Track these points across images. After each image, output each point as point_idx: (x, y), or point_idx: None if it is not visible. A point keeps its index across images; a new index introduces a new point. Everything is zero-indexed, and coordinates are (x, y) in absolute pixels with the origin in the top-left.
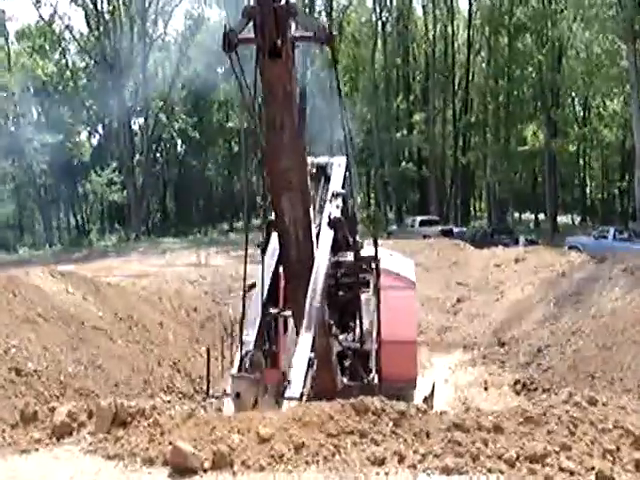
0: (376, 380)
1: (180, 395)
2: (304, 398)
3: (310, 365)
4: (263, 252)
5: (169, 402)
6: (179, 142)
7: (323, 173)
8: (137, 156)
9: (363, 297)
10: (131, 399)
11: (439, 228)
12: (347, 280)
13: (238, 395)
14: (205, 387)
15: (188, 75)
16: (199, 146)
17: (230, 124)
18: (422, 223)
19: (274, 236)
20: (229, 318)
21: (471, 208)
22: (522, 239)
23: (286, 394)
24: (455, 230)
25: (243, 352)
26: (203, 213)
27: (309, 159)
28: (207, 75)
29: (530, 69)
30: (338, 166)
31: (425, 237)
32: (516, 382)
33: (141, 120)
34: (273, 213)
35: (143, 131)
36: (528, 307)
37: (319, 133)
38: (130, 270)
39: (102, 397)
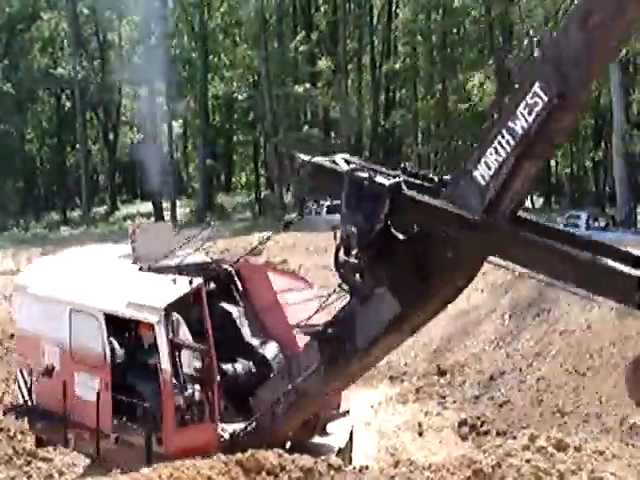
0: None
1: None
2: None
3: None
4: None
5: None
6: None
7: None
8: None
9: (234, 310)
10: None
11: None
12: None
13: None
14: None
15: None
16: (13, 104)
17: (60, 70)
18: (331, 210)
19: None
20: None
21: None
22: None
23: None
24: None
25: None
26: (22, 199)
27: None
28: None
29: None
30: None
31: (335, 229)
32: (461, 423)
33: None
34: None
35: None
36: (475, 321)
37: None
38: None
39: None
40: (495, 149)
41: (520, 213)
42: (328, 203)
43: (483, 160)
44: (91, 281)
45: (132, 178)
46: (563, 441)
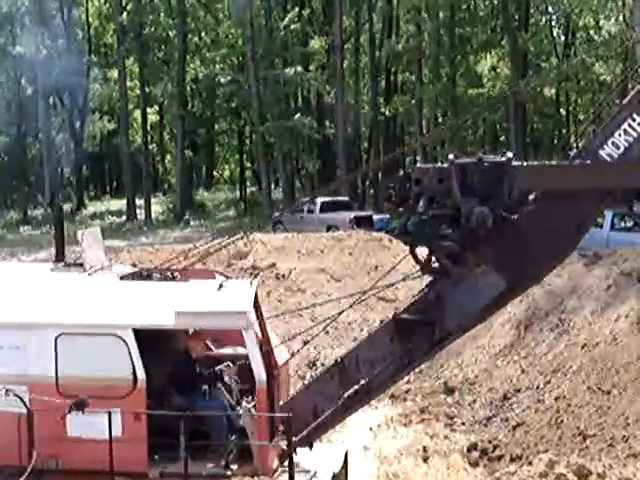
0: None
1: None
2: None
3: None
4: None
5: None
6: None
7: None
8: None
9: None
10: None
11: (351, 215)
12: None
13: None
14: None
15: None
16: None
17: (19, 49)
18: (325, 207)
19: None
20: None
21: None
22: None
23: None
24: (376, 218)
25: None
26: None
27: None
28: None
29: None
30: None
31: (330, 228)
32: (471, 447)
33: None
34: None
35: None
36: (487, 332)
37: None
38: None
39: None
40: (625, 131)
41: None
42: (323, 200)
43: (610, 141)
44: (69, 296)
45: (101, 172)
46: (585, 467)
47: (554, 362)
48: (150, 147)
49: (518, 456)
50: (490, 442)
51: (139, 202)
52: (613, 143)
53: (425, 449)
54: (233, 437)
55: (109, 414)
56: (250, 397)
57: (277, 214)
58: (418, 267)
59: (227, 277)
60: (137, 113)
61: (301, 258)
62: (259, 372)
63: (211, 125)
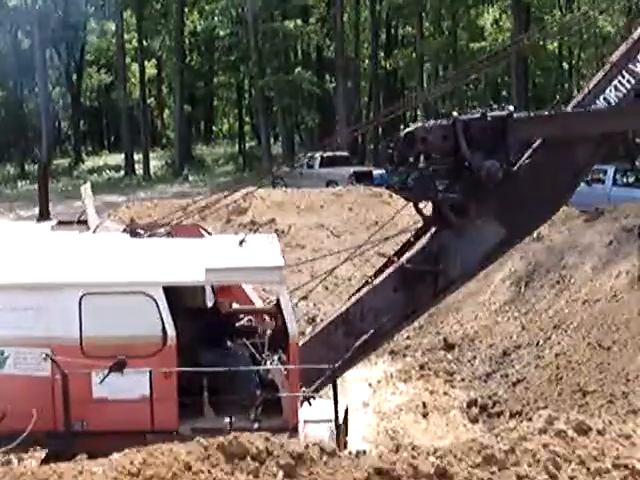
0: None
1: None
2: None
3: None
4: None
5: None
6: None
7: None
8: None
9: None
10: None
11: (351, 170)
12: None
13: None
14: None
15: None
16: None
17: (14, 2)
18: (325, 162)
19: None
20: None
21: None
22: None
23: None
24: (376, 173)
25: None
26: None
27: None
28: None
29: None
30: None
31: (330, 184)
32: (471, 403)
33: None
34: None
35: None
36: (487, 288)
37: None
38: None
39: None
40: (615, 87)
41: None
42: (322, 154)
43: (602, 97)
44: (85, 254)
45: (99, 126)
46: (585, 423)
47: (554, 318)
48: (148, 101)
49: (518, 412)
50: (490, 398)
51: (137, 157)
52: (605, 99)
53: (424, 405)
54: (260, 392)
55: (139, 372)
56: (275, 351)
57: (275, 169)
58: (417, 221)
59: (209, 233)
60: (135, 66)
61: (300, 214)
62: (292, 326)
63: (210, 79)
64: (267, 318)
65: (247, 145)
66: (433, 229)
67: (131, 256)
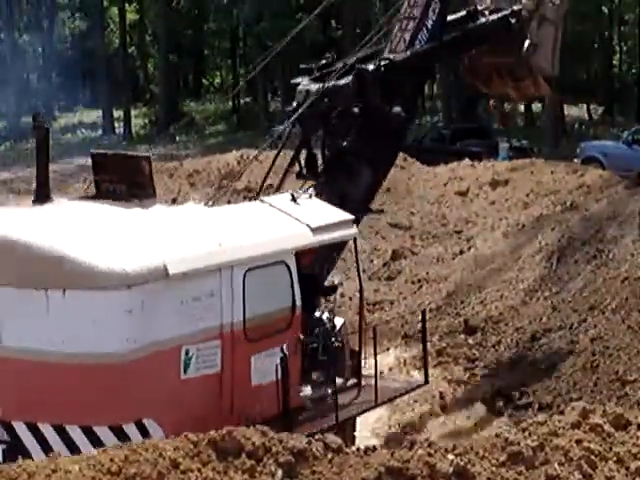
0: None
1: None
2: None
3: None
4: None
5: None
6: None
7: None
8: None
9: None
10: None
11: None
12: None
13: None
14: None
15: None
16: None
17: None
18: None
19: None
20: None
21: None
22: (504, 146)
23: None
24: None
25: None
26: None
27: None
28: None
29: None
30: None
31: None
32: (495, 394)
33: None
34: None
35: None
36: (514, 264)
37: None
38: None
39: None
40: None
41: None
42: None
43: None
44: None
45: (73, 79)
46: (623, 417)
47: (590, 298)
48: (129, 50)
49: (548, 404)
50: (516, 388)
51: (117, 114)
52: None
53: (442, 396)
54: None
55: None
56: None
57: (277, 129)
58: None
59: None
60: (114, 10)
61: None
62: (363, 279)
63: (199, 25)
64: None
65: (241, 101)
66: None
67: (240, 226)
